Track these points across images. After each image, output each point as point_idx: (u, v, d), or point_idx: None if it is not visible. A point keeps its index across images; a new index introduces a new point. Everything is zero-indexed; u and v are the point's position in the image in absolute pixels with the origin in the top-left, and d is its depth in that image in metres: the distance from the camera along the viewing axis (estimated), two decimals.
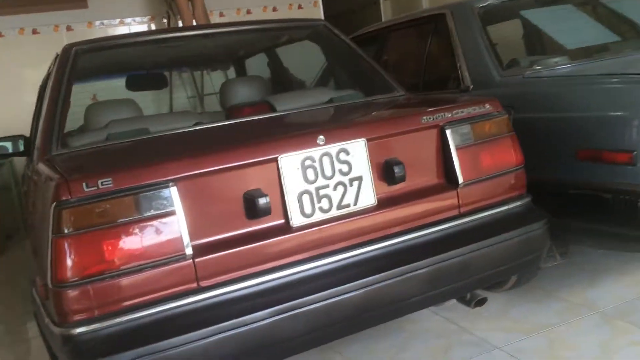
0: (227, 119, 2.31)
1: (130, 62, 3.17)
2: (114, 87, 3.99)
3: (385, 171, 1.88)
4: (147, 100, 5.54)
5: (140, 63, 3.27)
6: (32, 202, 1.97)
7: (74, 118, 2.54)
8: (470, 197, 1.98)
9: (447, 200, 1.95)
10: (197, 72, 5.92)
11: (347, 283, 1.69)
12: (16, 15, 5.60)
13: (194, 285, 1.61)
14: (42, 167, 1.82)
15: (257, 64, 3.88)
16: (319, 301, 1.65)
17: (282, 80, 3.66)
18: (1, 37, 5.66)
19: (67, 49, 2.31)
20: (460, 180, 1.96)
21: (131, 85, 3.61)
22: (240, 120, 2.17)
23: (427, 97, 2.57)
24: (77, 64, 2.31)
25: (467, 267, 1.87)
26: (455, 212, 1.96)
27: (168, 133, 2.06)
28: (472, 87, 2.84)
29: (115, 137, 2.04)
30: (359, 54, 2.69)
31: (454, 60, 2.97)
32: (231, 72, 4.27)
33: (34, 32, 5.74)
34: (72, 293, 1.49)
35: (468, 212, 1.98)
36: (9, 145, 2.88)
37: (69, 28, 5.85)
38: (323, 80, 3.59)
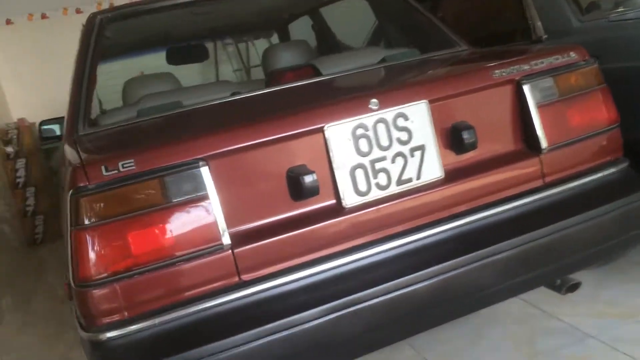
0: (267, 86, 2.06)
1: (165, 32, 2.96)
2: (162, 64, 3.82)
3: (453, 138, 1.59)
4: (193, 75, 5.38)
5: (176, 33, 3.05)
6: (61, 189, 1.80)
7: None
8: (555, 164, 1.66)
9: (528, 169, 1.65)
10: (242, 44, 5.70)
11: (413, 272, 1.43)
12: None
13: (235, 279, 1.39)
14: (66, 149, 1.63)
15: (301, 29, 3.61)
16: (381, 295, 1.40)
17: (328, 44, 3.37)
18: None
19: (91, 19, 2.11)
20: (543, 144, 1.64)
21: (172, 59, 3.42)
22: (281, 88, 1.92)
23: (496, 50, 2.23)
24: (103, 35, 2.11)
25: (556, 249, 1.56)
26: (538, 183, 1.65)
27: (202, 105, 1.83)
28: (545, 37, 2.47)
29: (145, 113, 1.83)
30: (412, 6, 2.37)
31: (522, 7, 2.59)
32: (275, 40, 4.02)
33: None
34: (97, 293, 1.30)
35: (554, 183, 1.66)
36: (56, 127, 2.77)
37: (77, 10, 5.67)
38: (374, 40, 3.28)
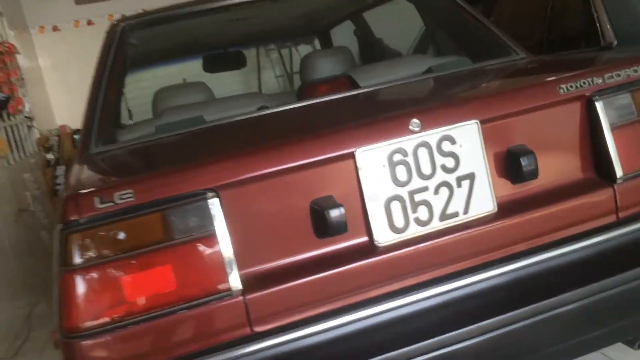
0: (298, 99, 1.87)
1: (197, 40, 2.82)
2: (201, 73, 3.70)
3: (509, 165, 1.35)
4: (234, 83, 5.26)
5: (209, 40, 2.91)
6: None
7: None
8: (632, 196, 1.40)
9: (599, 202, 1.38)
10: (285, 50, 5.55)
11: (459, 328, 1.20)
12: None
13: (246, 331, 1.19)
14: (72, 171, 1.48)
15: (344, 35, 3.40)
16: (419, 354, 1.18)
17: (372, 51, 3.15)
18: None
19: (113, 26, 1.97)
20: (619, 173, 1.38)
21: (208, 66, 3.30)
22: (312, 102, 1.71)
23: (560, 59, 1.96)
24: (127, 43, 1.97)
25: (634, 300, 1.30)
26: (611, 219, 1.39)
27: (224, 122, 1.65)
28: (616, 43, 2.18)
29: (163, 130, 1.67)
30: (462, 8, 2.12)
31: (590, 10, 2.31)
32: (318, 46, 3.83)
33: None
34: (86, 346, 1.13)
35: (630, 219, 1.39)
36: None
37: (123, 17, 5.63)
38: (420, 47, 3.04)
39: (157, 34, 2.35)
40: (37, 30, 5.56)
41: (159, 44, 2.63)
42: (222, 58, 3.27)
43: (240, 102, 1.86)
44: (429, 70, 1.87)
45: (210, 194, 1.17)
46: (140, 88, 3.99)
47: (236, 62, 3.34)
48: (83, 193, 1.14)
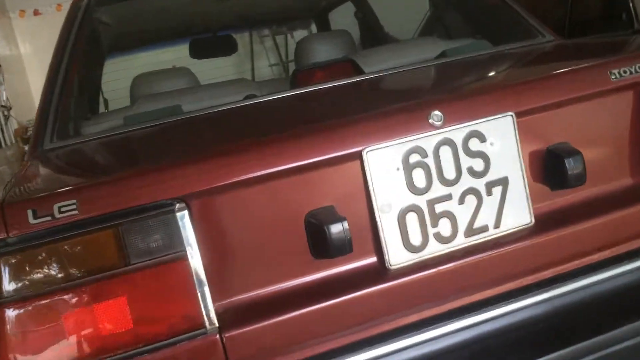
0: (292, 87, 1.61)
1: (183, 22, 2.55)
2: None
3: (550, 167, 1.11)
4: (226, 70, 4.98)
5: (196, 22, 2.63)
6: None
7: None
8: None
9: None
10: (280, 37, 5.28)
11: None
12: None
13: None
14: (18, 172, 1.23)
15: (345, 20, 3.13)
16: None
17: (375, 36, 2.88)
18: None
19: (75, 3, 1.70)
20: None
21: (195, 52, 3.02)
22: (308, 90, 1.45)
23: (599, 42, 1.70)
24: (95, 21, 1.71)
25: None
26: None
27: (205, 112, 1.40)
28: None
29: (133, 121, 1.41)
30: None
31: None
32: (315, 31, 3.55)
33: None
34: None
35: None
36: None
37: None
38: (426, 29, 2.77)
39: (135, 13, 2.09)
40: (17, 15, 5.26)
41: (139, 25, 2.36)
42: (211, 43, 3.00)
43: (224, 90, 1.60)
44: (443, 55, 1.61)
45: (178, 205, 0.91)
46: (128, 77, 3.73)
47: (226, 47, 3.07)
48: (13, 204, 0.89)
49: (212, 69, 3.86)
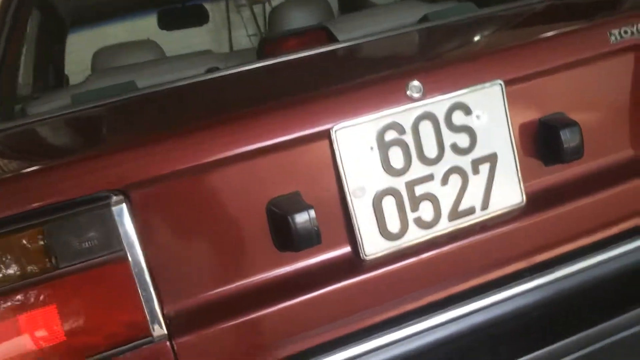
0: (259, 58, 1.47)
1: None
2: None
3: (543, 141, 0.99)
4: (204, 43, 4.78)
5: None
6: None
7: None
8: None
9: None
10: (259, 6, 5.08)
11: None
12: None
13: None
14: None
15: None
16: None
17: (354, 2, 2.72)
18: None
19: None
20: None
21: (164, 24, 2.86)
22: (276, 61, 1.31)
23: (596, 1, 1.56)
24: None
25: None
26: None
27: (160, 89, 1.25)
28: None
29: (81, 99, 1.26)
30: None
31: None
32: None
33: None
34: None
35: None
36: None
37: None
38: None
39: None
40: None
41: None
42: (180, 13, 2.82)
43: (185, 63, 1.46)
44: (424, 19, 1.47)
45: (115, 198, 0.78)
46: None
47: (196, 17, 2.89)
48: None
49: (188, 41, 3.69)
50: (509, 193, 0.98)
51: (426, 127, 0.93)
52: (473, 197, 0.96)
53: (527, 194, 0.99)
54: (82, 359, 0.77)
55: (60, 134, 1.12)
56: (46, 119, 1.15)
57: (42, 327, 0.75)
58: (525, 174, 0.99)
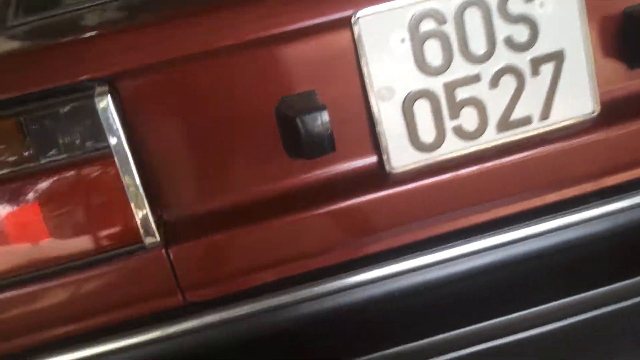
0: None
1: None
2: None
3: (626, 37, 0.80)
4: None
5: None
6: None
7: None
8: None
9: None
10: None
11: (530, 306, 0.74)
12: None
13: (175, 300, 0.77)
14: None
15: None
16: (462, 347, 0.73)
17: None
18: None
19: None
20: None
21: None
22: None
23: None
24: None
25: None
26: None
27: None
28: None
29: None
30: None
31: None
32: None
33: None
34: None
35: None
36: None
37: None
38: None
39: None
40: None
41: None
42: None
43: None
44: None
45: (99, 89, 0.70)
46: None
47: None
48: None
49: None
50: (577, 100, 0.80)
51: (473, 16, 0.76)
52: (530, 104, 0.79)
53: (602, 102, 0.80)
54: (67, 261, 0.72)
55: (61, 23, 1.05)
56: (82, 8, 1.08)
57: (25, 222, 0.71)
58: (601, 78, 0.80)
